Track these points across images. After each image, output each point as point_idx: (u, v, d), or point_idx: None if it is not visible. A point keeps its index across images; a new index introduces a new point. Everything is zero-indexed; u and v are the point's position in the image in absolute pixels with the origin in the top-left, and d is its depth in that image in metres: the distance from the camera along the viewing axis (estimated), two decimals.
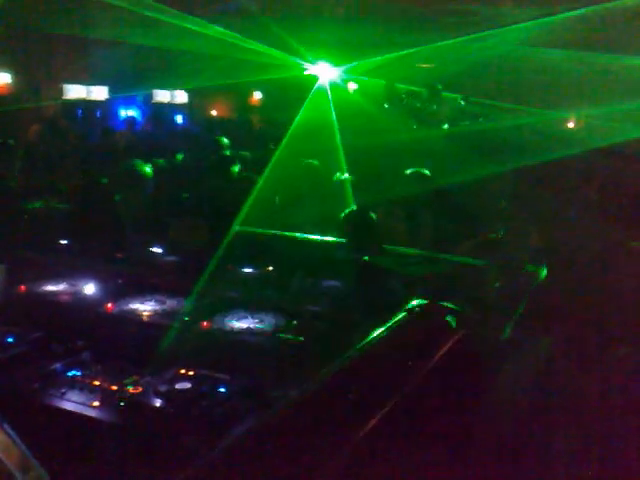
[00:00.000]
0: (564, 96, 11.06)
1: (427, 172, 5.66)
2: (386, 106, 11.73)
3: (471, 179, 5.30)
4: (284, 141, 7.71)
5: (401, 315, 2.09)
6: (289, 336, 2.73)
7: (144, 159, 6.23)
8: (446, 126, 11.59)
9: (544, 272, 3.27)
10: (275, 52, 9.36)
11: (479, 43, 9.36)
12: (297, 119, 8.92)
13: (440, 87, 11.29)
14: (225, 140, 8.20)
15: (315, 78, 11.23)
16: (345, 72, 11.48)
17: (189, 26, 7.85)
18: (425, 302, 2.18)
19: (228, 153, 7.02)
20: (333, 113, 10.01)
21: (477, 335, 2.07)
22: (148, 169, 5.68)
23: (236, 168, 6.21)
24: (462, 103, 11.81)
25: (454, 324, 2.05)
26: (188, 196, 5.78)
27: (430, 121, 11.38)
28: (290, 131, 8.25)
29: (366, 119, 9.95)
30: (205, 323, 2.88)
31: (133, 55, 10.58)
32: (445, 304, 2.38)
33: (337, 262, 3.77)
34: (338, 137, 9.05)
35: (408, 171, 5.64)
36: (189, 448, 2.02)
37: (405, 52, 9.32)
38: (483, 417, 1.99)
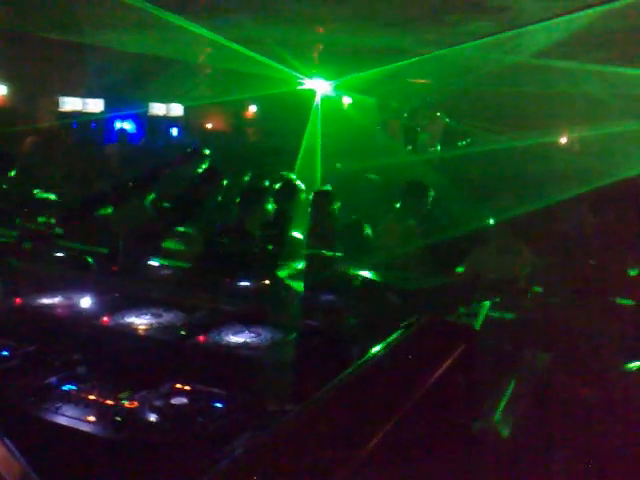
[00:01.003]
0: (556, 116, 10.96)
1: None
2: (378, 127, 11.83)
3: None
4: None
5: (401, 330, 2.07)
6: (287, 351, 2.71)
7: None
8: (438, 147, 11.64)
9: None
10: (270, 63, 9.34)
11: (471, 53, 9.30)
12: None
13: (429, 100, 11.33)
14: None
15: (312, 92, 11.23)
16: (340, 87, 11.47)
17: (191, 28, 7.85)
18: (425, 316, 2.17)
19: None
20: (319, 133, 10.08)
21: (478, 349, 2.07)
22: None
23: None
24: (453, 123, 11.89)
25: (455, 338, 2.05)
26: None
27: (422, 140, 11.44)
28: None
29: (362, 140, 9.98)
30: (201, 337, 2.85)
31: (129, 68, 10.62)
32: (445, 318, 2.37)
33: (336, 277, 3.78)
34: (319, 156, 9.13)
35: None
36: (185, 464, 1.99)
37: (398, 64, 9.27)
38: (485, 431, 1.99)
